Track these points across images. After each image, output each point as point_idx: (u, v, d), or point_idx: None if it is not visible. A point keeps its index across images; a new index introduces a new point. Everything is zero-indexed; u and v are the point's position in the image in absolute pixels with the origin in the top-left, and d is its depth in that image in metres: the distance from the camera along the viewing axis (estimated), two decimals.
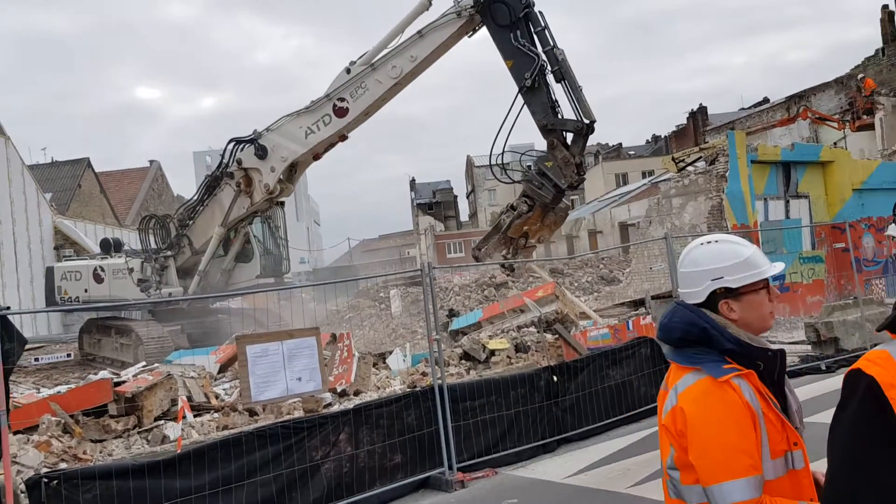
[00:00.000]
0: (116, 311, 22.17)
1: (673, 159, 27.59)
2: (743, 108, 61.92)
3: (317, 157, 18.18)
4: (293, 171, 18.59)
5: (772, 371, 2.21)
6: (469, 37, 15.47)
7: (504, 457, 8.22)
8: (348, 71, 16.44)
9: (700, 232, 17.44)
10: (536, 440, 8.56)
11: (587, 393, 9.14)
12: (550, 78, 14.22)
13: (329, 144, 17.64)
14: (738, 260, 2.28)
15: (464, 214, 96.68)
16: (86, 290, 21.24)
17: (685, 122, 69.26)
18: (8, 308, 5.46)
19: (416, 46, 15.63)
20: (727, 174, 17.38)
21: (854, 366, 1.83)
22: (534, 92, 14.17)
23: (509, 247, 14.74)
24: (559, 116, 14.31)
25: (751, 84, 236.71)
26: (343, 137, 17.53)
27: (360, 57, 16.40)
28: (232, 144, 18.29)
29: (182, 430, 9.84)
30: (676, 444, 2.16)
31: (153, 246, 20.64)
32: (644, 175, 61.62)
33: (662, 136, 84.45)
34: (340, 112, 16.59)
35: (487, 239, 15.15)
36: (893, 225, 2.37)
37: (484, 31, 15.06)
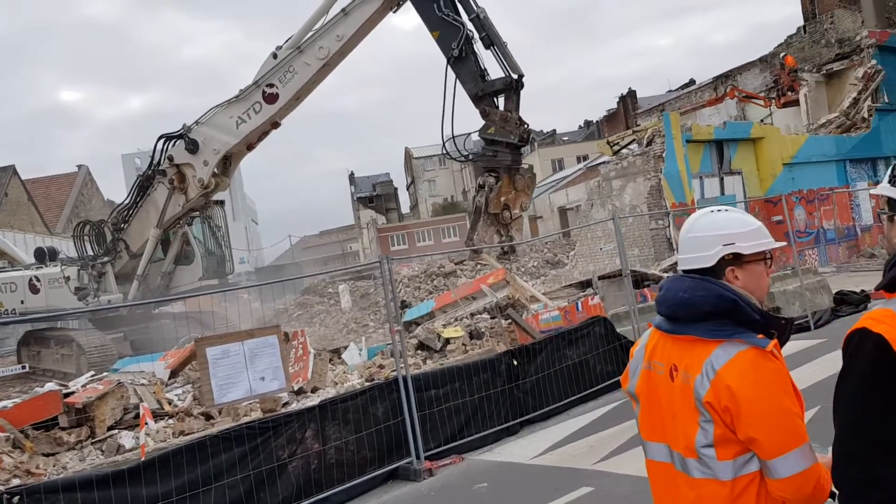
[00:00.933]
0: (55, 321, 21.47)
1: (608, 143, 28.14)
2: (671, 91, 63.32)
3: (250, 146, 17.90)
4: (227, 163, 18.24)
5: (782, 340, 2.25)
6: (394, 12, 15.47)
7: (469, 442, 8.29)
8: (275, 56, 16.25)
9: (640, 212, 17.84)
10: (500, 424, 8.66)
11: (546, 374, 9.28)
12: (478, 46, 14.33)
13: (262, 133, 17.37)
14: (749, 228, 2.31)
15: (405, 206, 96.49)
16: (22, 302, 20.50)
17: (616, 106, 70.61)
18: None
19: (341, 25, 15.54)
20: (664, 155, 17.80)
21: (857, 325, 1.86)
22: (462, 62, 14.28)
23: (497, 224, 14.81)
24: (488, 81, 14.42)
25: (677, 66, 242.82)
26: (276, 124, 17.30)
27: (287, 41, 16.21)
28: (161, 141, 17.86)
29: (136, 437, 9.62)
30: (719, 420, 2.11)
31: (89, 253, 20.03)
32: (579, 160, 62.65)
33: (594, 122, 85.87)
34: (270, 98, 16.38)
35: (474, 226, 15.18)
36: (885, 184, 2.41)
37: (408, 6, 15.06)
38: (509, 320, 13.65)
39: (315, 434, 7.22)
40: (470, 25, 14.24)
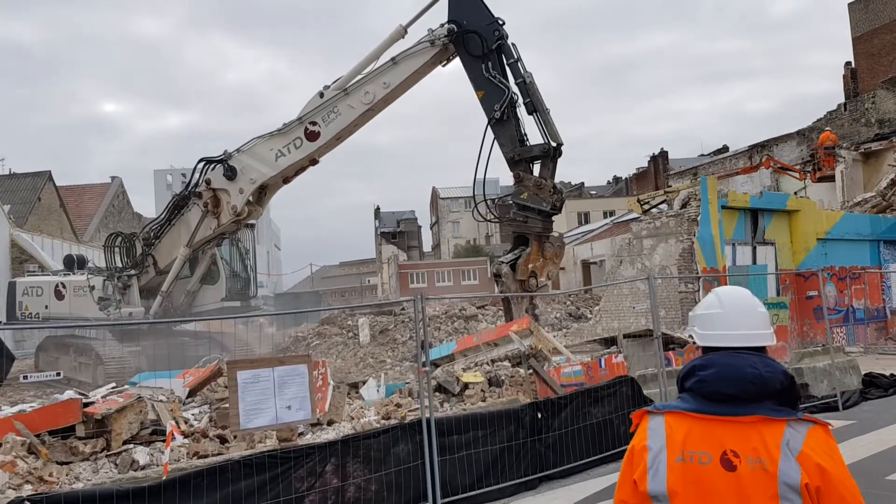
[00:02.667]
0: (77, 329, 21.64)
1: (638, 201, 28.13)
2: (703, 155, 63.56)
3: (287, 180, 18.09)
4: (262, 193, 18.47)
5: None
6: (443, 66, 15.66)
7: (488, 493, 8.13)
8: (321, 95, 16.46)
9: (670, 274, 17.72)
10: (520, 477, 8.50)
11: (569, 431, 9.13)
12: (521, 111, 14.40)
13: (299, 168, 17.56)
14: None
15: (427, 245, 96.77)
16: (46, 307, 20.67)
17: (646, 165, 70.88)
18: (2, 322, 5.25)
19: (389, 73, 15.72)
20: (698, 218, 17.72)
21: None
22: (503, 124, 14.32)
23: (523, 291, 14.59)
24: (526, 146, 14.46)
25: (710, 131, 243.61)
26: (314, 161, 17.49)
27: (335, 82, 16.44)
28: (202, 164, 18.10)
29: (152, 455, 9.55)
30: (808, 502, 2.04)
31: (118, 264, 20.22)
32: (605, 215, 62.62)
33: (623, 178, 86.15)
34: (312, 136, 16.58)
35: (508, 304, 15.16)
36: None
37: (457, 61, 15.23)
38: (531, 371, 13.51)
39: (335, 469, 7.13)
40: (515, 89, 14.28)
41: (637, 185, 68.07)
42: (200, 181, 18.10)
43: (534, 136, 14.49)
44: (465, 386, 13.08)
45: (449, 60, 15.44)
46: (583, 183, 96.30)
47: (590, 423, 9.37)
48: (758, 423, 2.09)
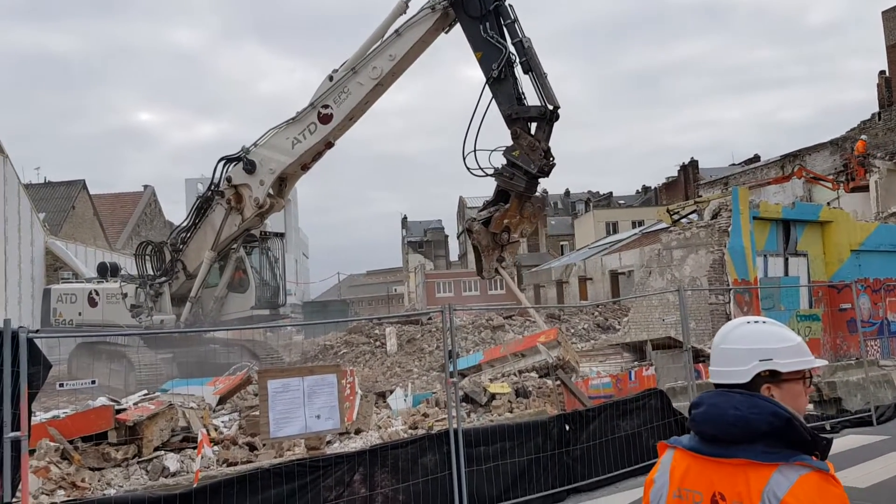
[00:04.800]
0: (109, 335, 21.98)
1: (668, 211, 27.87)
2: (734, 164, 62.90)
3: (305, 167, 18.34)
4: (283, 185, 18.73)
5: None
6: (446, 33, 15.94)
7: None
8: (331, 78, 16.82)
9: (700, 285, 17.54)
10: (547, 489, 8.45)
11: (598, 443, 9.07)
12: (518, 70, 14.54)
13: (316, 153, 17.85)
14: (789, 344, 2.16)
15: (454, 254, 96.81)
16: (80, 314, 21.03)
17: (676, 174, 70.29)
18: (37, 331, 5.37)
19: (394, 45, 16.06)
20: (729, 229, 17.54)
21: None
22: (500, 83, 14.50)
23: (494, 244, 14.75)
24: (524, 105, 14.54)
25: (743, 140, 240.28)
26: (329, 144, 17.78)
27: (342, 64, 16.77)
28: (222, 163, 18.42)
29: (183, 462, 9.66)
30: None
31: (149, 272, 20.50)
32: (634, 224, 62.18)
33: (653, 188, 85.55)
34: (325, 119, 16.90)
35: (478, 255, 15.18)
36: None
37: (458, 29, 15.43)
38: (558, 382, 13.45)
39: (363, 479, 7.15)
40: (513, 49, 14.51)
41: (666, 195, 67.54)
42: (222, 180, 18.43)
43: (531, 98, 14.62)
44: (493, 396, 13.07)
45: (451, 27, 15.72)
46: (611, 192, 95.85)
47: (618, 436, 9.29)
48: (746, 467, 2.01)
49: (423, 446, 7.65)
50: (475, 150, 14.69)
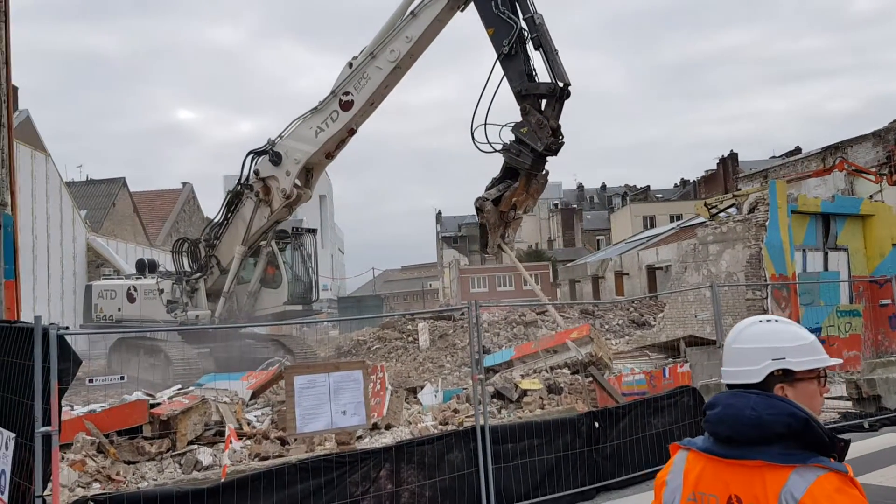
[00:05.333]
0: (137, 331, 22.40)
1: (706, 205, 27.45)
2: (774, 157, 61.76)
3: (329, 155, 18.46)
4: (310, 175, 18.89)
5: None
6: (461, 11, 15.88)
7: (543, 502, 8.05)
8: (350, 65, 16.95)
9: (737, 281, 17.25)
10: (576, 487, 8.38)
11: (628, 441, 8.96)
12: (531, 48, 14.39)
13: (339, 140, 17.96)
14: (802, 342, 2.12)
15: None
16: (119, 309, 21.45)
17: (715, 168, 69.25)
18: (66, 328, 5.47)
19: (410, 27, 16.09)
20: (767, 223, 17.19)
21: None
22: (511, 59, 14.39)
23: (501, 225, 14.72)
24: (534, 82, 14.38)
25: (785, 132, 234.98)
26: (352, 132, 17.88)
27: (362, 51, 16.88)
28: (249, 157, 18.65)
29: (215, 455, 9.78)
30: None
31: (186, 268, 20.81)
32: (672, 219, 61.47)
33: (691, 181, 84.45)
34: (346, 105, 17.02)
35: (484, 232, 15.09)
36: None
37: (472, 8, 15.30)
38: (590, 378, 13.35)
39: (389, 475, 7.16)
40: (523, 24, 14.37)
41: (705, 189, 66.57)
42: (250, 173, 18.66)
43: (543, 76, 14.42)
44: (524, 393, 13.01)
45: (466, 5, 15.63)
46: (648, 186, 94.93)
47: (649, 434, 9.17)
48: (762, 468, 1.97)
49: (450, 442, 7.64)
50: (485, 125, 14.51)
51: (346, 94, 16.91)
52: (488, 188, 14.83)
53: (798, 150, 54.44)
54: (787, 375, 2.10)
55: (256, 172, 18.52)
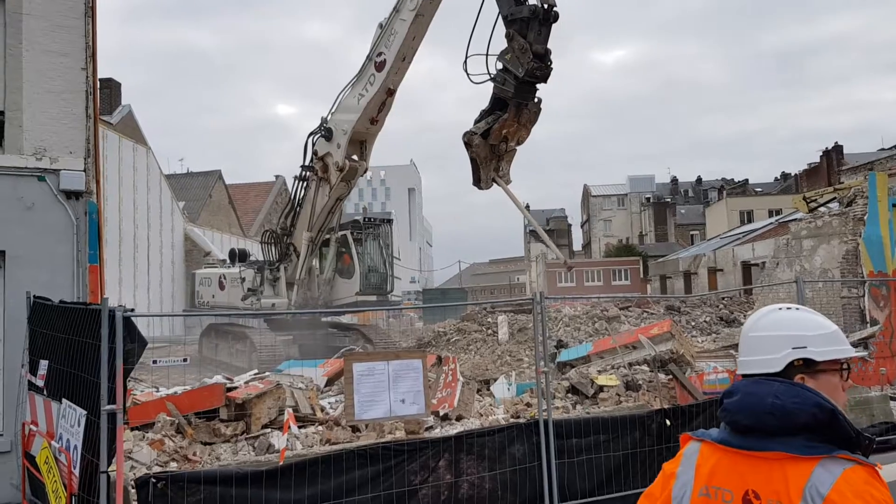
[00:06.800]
0: (236, 317, 23.15)
1: (804, 199, 26.26)
2: (883, 149, 58.37)
3: (374, 121, 18.43)
4: (363, 147, 19.01)
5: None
6: None
7: (608, 500, 7.84)
8: (381, 27, 17.05)
9: (831, 277, 16.38)
10: (643, 486, 8.08)
11: None
12: None
13: (380, 103, 17.94)
14: (825, 331, 2.00)
15: (577, 244, 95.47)
16: (213, 296, 22.35)
17: (818, 160, 66.01)
18: (132, 310, 5.67)
19: None
20: (865, 217, 16.23)
21: None
22: None
23: (493, 156, 14.16)
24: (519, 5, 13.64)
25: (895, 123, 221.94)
26: (391, 92, 17.83)
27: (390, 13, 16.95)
28: (309, 139, 19.03)
29: (287, 440, 10.00)
30: None
31: (270, 258, 21.40)
32: (771, 214, 59.07)
33: (793, 175, 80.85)
34: (380, 66, 17.15)
35: (476, 167, 14.39)
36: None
37: None
38: (670, 376, 12.93)
39: (448, 465, 7.12)
40: None
41: (807, 182, 63.53)
42: (310, 155, 19.01)
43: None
44: (600, 389, 12.74)
45: None
46: (747, 180, 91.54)
47: None
48: (784, 461, 1.83)
49: (512, 435, 7.53)
50: (484, 55, 13.73)
51: (380, 54, 17.10)
52: (477, 121, 14.11)
53: None
54: (808, 366, 1.98)
55: (315, 153, 18.89)
